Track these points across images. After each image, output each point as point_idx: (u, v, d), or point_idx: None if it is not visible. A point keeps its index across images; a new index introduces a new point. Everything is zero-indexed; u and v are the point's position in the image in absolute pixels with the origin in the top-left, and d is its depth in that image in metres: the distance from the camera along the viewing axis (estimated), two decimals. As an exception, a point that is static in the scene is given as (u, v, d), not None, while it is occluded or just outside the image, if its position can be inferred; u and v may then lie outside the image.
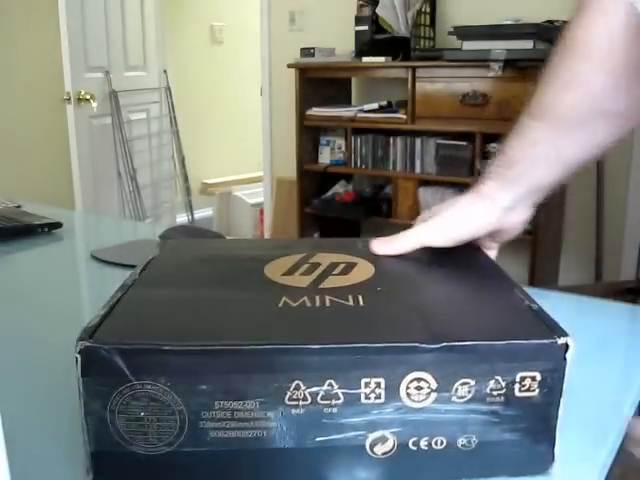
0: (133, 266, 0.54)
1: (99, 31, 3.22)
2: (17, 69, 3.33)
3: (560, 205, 2.71)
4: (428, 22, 2.82)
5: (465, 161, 2.56)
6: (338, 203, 2.96)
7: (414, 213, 2.74)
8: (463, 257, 0.55)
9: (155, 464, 0.38)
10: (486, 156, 2.55)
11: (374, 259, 0.54)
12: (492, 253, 0.61)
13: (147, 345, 0.37)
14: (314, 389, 0.37)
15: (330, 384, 0.37)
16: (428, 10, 2.82)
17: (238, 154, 4.57)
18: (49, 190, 3.43)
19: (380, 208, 2.87)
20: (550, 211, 2.55)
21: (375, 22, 2.79)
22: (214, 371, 0.37)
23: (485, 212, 0.58)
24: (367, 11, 2.84)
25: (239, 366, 0.37)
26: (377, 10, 2.78)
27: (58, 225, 1.06)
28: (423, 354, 0.37)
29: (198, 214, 4.22)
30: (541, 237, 2.49)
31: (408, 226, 0.66)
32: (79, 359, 0.37)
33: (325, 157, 3.05)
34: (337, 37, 3.13)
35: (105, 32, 3.27)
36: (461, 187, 2.67)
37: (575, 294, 0.78)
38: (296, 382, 0.37)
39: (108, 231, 1.20)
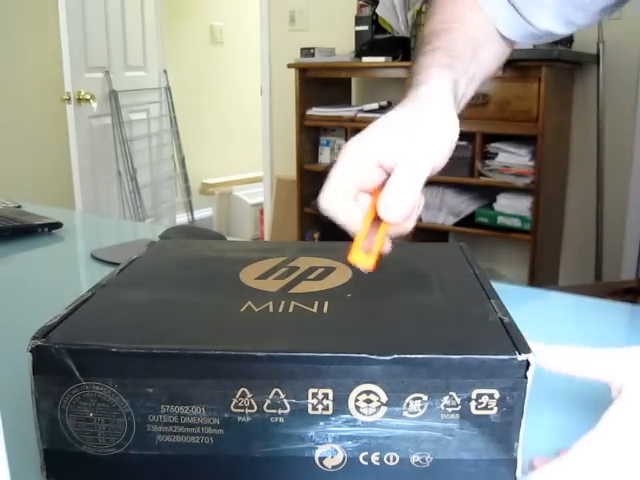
0: (133, 266, 0.54)
1: (99, 31, 3.22)
2: (17, 69, 3.33)
3: (560, 205, 2.71)
4: (428, 22, 2.82)
5: (465, 161, 2.56)
6: (338, 203, 2.96)
7: (414, 213, 2.74)
8: (448, 264, 0.54)
9: (105, 465, 0.39)
10: (486, 156, 2.55)
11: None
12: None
13: (95, 346, 0.38)
14: (260, 397, 0.37)
15: (276, 393, 0.37)
16: (428, 10, 2.82)
17: (238, 154, 4.58)
18: (49, 190, 3.43)
19: (380, 208, 2.86)
20: (550, 211, 2.55)
21: (375, 22, 2.79)
22: (160, 374, 0.37)
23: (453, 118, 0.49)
24: (367, 11, 2.84)
25: (184, 371, 0.37)
26: (377, 10, 2.78)
27: (58, 225, 1.06)
28: (372, 366, 0.36)
29: (198, 214, 4.22)
30: (541, 237, 2.49)
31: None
32: (30, 357, 0.38)
33: (325, 157, 3.05)
34: (337, 37, 3.13)
35: (105, 32, 3.27)
36: (461, 187, 2.67)
37: (575, 294, 0.78)
38: (242, 389, 0.37)
39: (108, 231, 1.20)
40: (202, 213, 4.34)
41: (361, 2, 2.88)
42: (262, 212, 3.87)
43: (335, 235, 0.51)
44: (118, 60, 3.39)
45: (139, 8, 3.49)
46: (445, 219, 2.69)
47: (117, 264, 0.55)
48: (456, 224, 2.68)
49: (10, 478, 0.30)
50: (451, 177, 2.61)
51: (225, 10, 4.44)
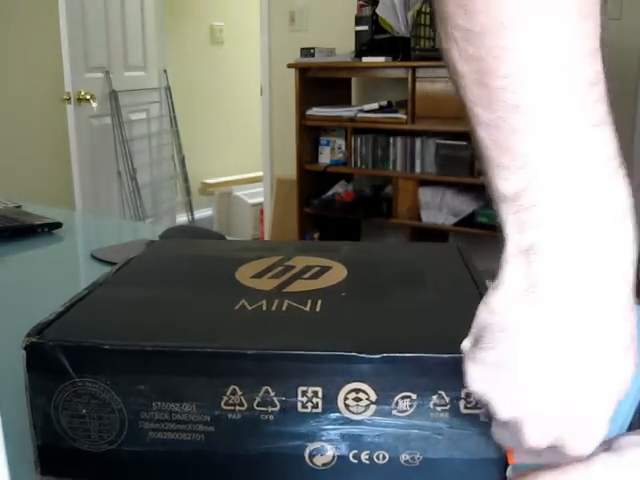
0: (133, 266, 0.54)
1: (99, 31, 3.22)
2: (17, 69, 3.33)
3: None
4: (428, 22, 2.82)
5: (465, 161, 2.56)
6: (338, 203, 2.96)
7: (414, 213, 2.74)
8: (444, 263, 0.54)
9: (98, 461, 0.39)
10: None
11: (350, 263, 0.53)
12: None
13: (88, 343, 0.38)
14: (250, 395, 0.37)
15: (266, 391, 0.37)
16: (428, 10, 2.82)
17: (238, 154, 4.57)
18: (49, 190, 3.43)
19: (380, 208, 2.86)
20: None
21: (375, 22, 2.79)
22: (151, 372, 0.37)
23: None
24: (367, 11, 2.84)
25: (175, 368, 0.37)
26: (377, 10, 2.78)
27: (58, 225, 1.06)
28: (361, 364, 0.36)
29: (198, 214, 4.22)
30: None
31: (407, 226, 0.65)
32: (25, 355, 0.38)
33: (325, 157, 3.05)
34: (337, 37, 3.13)
35: (105, 32, 3.27)
36: (461, 187, 2.67)
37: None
38: (232, 387, 0.37)
39: (108, 231, 1.20)
40: (202, 213, 4.34)
41: (361, 2, 2.88)
42: (262, 212, 3.87)
43: (334, 235, 0.51)
44: (118, 60, 3.38)
45: (139, 8, 3.49)
46: (445, 219, 2.69)
47: (117, 264, 0.55)
48: (456, 224, 2.68)
49: (9, 478, 0.30)
50: (451, 177, 2.61)
51: (225, 10, 4.44)
